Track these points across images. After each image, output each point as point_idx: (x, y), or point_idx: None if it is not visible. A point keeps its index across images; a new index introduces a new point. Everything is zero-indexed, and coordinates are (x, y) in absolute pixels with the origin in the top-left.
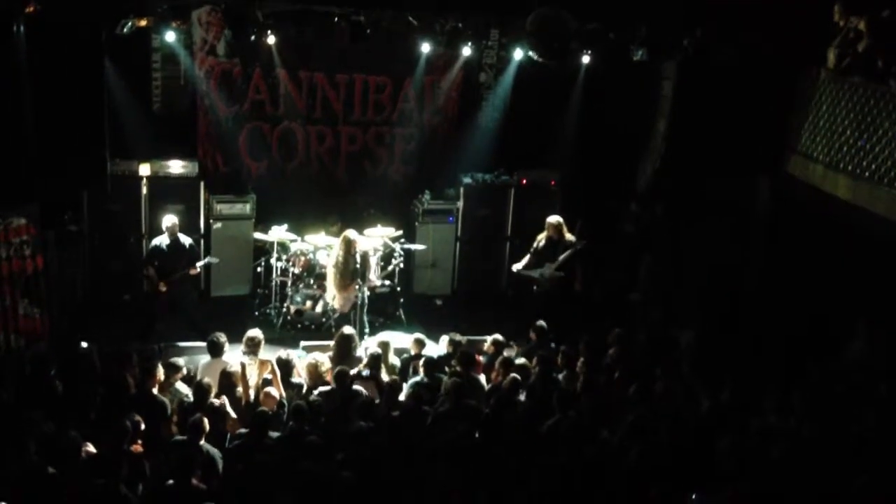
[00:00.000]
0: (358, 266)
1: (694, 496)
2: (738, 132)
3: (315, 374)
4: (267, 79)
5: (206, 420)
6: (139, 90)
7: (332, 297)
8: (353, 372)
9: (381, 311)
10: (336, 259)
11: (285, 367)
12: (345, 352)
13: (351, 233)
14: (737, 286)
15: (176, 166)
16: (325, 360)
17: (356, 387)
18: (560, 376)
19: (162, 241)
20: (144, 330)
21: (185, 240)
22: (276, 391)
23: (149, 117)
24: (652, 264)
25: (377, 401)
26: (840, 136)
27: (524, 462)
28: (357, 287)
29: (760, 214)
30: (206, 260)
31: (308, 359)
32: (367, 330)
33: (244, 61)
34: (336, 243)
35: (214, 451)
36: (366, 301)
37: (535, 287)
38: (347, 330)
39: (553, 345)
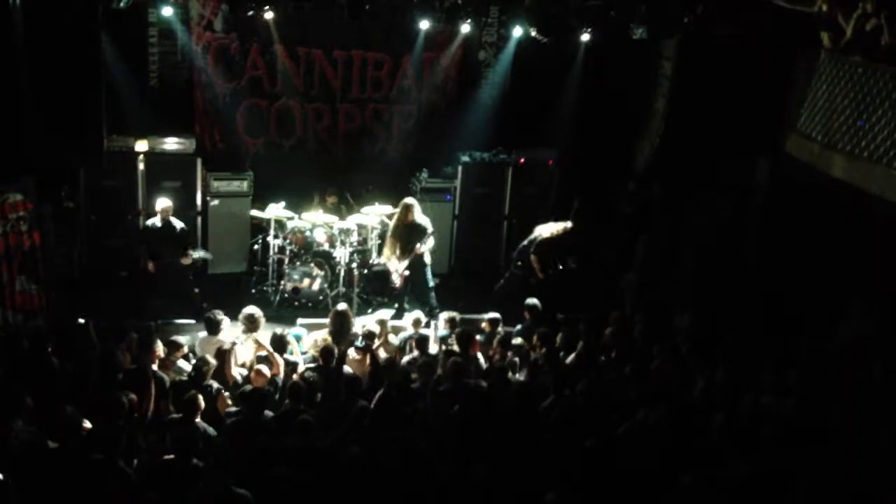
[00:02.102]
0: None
1: None
2: (737, 112)
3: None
4: (265, 55)
5: (200, 398)
6: (136, 65)
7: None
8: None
9: (380, 291)
10: (392, 225)
11: (279, 343)
12: (339, 329)
13: (409, 199)
14: (734, 266)
15: (172, 143)
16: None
17: (348, 359)
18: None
19: (154, 222)
20: (138, 307)
21: (178, 224)
22: (266, 369)
23: (145, 93)
24: (649, 244)
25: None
26: (839, 115)
27: (520, 441)
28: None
29: (758, 194)
30: (200, 254)
31: (317, 337)
32: (435, 305)
33: (241, 37)
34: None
35: (210, 430)
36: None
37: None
38: (341, 307)
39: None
